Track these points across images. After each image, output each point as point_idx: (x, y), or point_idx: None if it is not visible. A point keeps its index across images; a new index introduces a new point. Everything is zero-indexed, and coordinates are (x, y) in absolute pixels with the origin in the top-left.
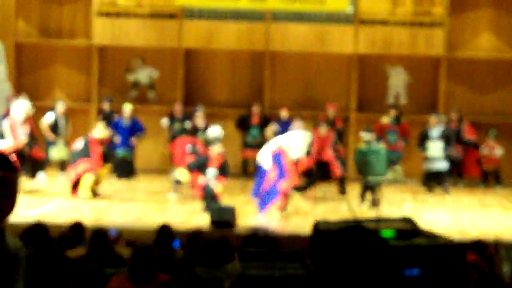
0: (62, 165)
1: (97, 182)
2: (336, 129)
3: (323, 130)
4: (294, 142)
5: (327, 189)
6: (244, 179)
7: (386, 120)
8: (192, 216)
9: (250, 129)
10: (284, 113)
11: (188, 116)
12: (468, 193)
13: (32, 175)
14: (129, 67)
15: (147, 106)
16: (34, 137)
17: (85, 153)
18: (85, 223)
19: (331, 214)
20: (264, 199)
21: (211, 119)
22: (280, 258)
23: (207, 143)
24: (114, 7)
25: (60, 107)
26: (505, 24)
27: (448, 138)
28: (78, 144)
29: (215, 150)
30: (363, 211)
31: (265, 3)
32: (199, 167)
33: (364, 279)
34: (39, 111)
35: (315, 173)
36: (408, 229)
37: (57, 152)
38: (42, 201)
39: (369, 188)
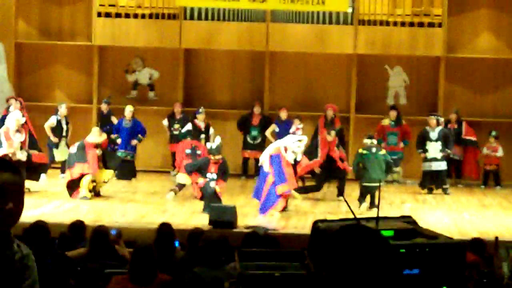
0: (63, 166)
1: (96, 185)
2: (335, 129)
3: (330, 138)
4: (291, 144)
5: (327, 189)
6: (244, 179)
7: (386, 121)
8: (192, 216)
9: (250, 129)
10: (283, 114)
11: (187, 117)
12: (468, 194)
13: (36, 179)
14: (129, 67)
15: (147, 106)
16: (34, 142)
17: (80, 157)
18: (86, 223)
19: (330, 213)
20: (264, 204)
21: (210, 120)
22: (280, 257)
23: (210, 152)
24: (114, 7)
25: (63, 109)
26: (505, 24)
27: (447, 138)
28: (74, 148)
29: (216, 157)
30: (362, 211)
31: (265, 3)
32: (199, 169)
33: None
34: (40, 112)
35: (321, 175)
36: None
37: (59, 154)
38: (43, 201)
39: (367, 192)
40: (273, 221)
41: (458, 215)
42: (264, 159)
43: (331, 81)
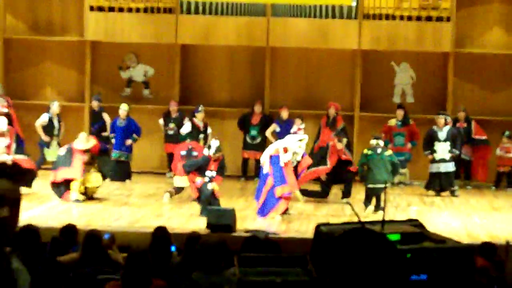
0: None
1: (88, 189)
2: (337, 129)
3: (341, 146)
4: (292, 145)
5: (331, 191)
6: (243, 180)
7: (393, 122)
8: (189, 220)
9: (249, 129)
10: (284, 113)
11: (183, 116)
12: (478, 195)
13: (28, 186)
14: (123, 64)
15: (141, 105)
16: (21, 146)
17: (66, 161)
18: (78, 227)
19: (334, 217)
20: (263, 206)
21: (209, 119)
22: (281, 263)
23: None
24: (107, 1)
25: (55, 107)
26: None
27: (456, 138)
28: (63, 150)
29: (216, 155)
30: (368, 214)
31: None
32: (198, 168)
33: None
34: (29, 111)
35: (328, 181)
36: (414, 233)
37: (51, 154)
38: (33, 204)
39: (372, 194)
40: (274, 224)
41: (468, 218)
42: (264, 159)
43: (334, 78)
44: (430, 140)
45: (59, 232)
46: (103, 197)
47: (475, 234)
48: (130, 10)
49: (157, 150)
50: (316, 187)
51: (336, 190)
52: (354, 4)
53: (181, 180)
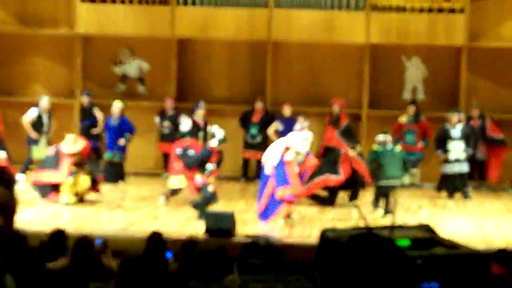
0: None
1: (78, 192)
2: (341, 127)
3: (353, 153)
4: (296, 144)
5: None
6: (244, 182)
7: (404, 118)
8: (186, 224)
9: (249, 127)
10: (287, 110)
11: (179, 113)
12: (493, 198)
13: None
14: (116, 59)
15: (136, 102)
16: (1, 147)
17: (53, 163)
18: (68, 231)
19: (340, 221)
20: (265, 209)
21: (207, 116)
22: (283, 270)
23: (217, 143)
24: None
25: (44, 103)
26: None
27: (469, 137)
28: (52, 150)
29: (218, 147)
30: (376, 218)
31: None
32: (201, 163)
33: None
34: (15, 109)
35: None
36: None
37: (38, 152)
38: (19, 207)
39: (382, 193)
40: (276, 229)
41: (482, 222)
42: (266, 160)
43: (340, 74)
44: (443, 139)
45: (47, 237)
46: (95, 199)
47: (490, 239)
48: (123, 1)
49: (152, 150)
50: (323, 192)
51: (342, 193)
52: None
53: (177, 180)
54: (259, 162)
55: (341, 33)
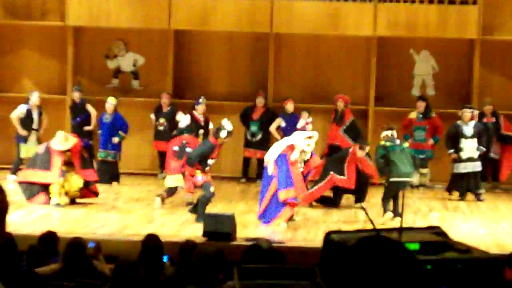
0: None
1: (69, 192)
2: (345, 124)
3: (362, 153)
4: (300, 143)
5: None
6: (244, 182)
7: (414, 114)
8: (183, 226)
9: (249, 124)
10: (290, 106)
11: (175, 110)
12: (508, 200)
13: None
14: (109, 52)
15: (130, 97)
16: None
17: (44, 163)
18: (59, 234)
19: (346, 223)
20: (266, 211)
21: (206, 113)
22: (286, 275)
23: (227, 135)
24: None
25: (35, 98)
26: None
27: (482, 134)
28: (42, 148)
29: (222, 141)
30: (385, 221)
31: None
32: (204, 159)
33: None
34: (3, 105)
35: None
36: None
37: (27, 150)
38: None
39: (393, 190)
40: (278, 232)
41: (496, 225)
42: (269, 159)
43: (346, 68)
44: (455, 137)
45: (37, 240)
46: (87, 201)
47: (504, 243)
48: None
49: (148, 149)
50: (327, 192)
51: (348, 194)
52: None
53: (173, 180)
54: (260, 161)
55: (346, 25)
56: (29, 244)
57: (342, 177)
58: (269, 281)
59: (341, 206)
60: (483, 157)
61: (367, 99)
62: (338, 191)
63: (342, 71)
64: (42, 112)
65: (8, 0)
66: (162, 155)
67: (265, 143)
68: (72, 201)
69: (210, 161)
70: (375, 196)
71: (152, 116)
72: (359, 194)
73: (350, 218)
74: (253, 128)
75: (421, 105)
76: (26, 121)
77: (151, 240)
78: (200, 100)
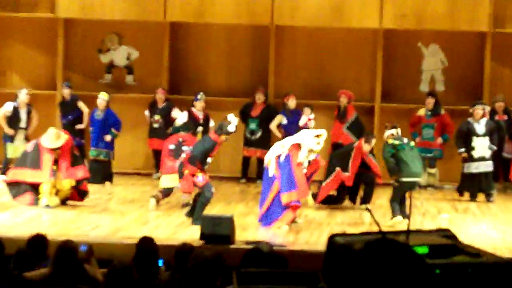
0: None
1: (58, 192)
2: (348, 121)
3: (368, 147)
4: (309, 142)
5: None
6: (244, 182)
7: (422, 111)
8: (179, 229)
9: (248, 121)
10: (292, 103)
11: (171, 106)
12: None
13: None
14: (102, 46)
15: (124, 93)
16: None
17: (34, 161)
18: (48, 237)
19: (350, 226)
20: (267, 214)
21: (205, 110)
22: (288, 280)
23: (229, 132)
24: None
25: (23, 96)
26: None
27: (493, 132)
28: (30, 146)
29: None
30: (393, 223)
31: None
32: (205, 157)
33: None
34: None
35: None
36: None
37: (14, 149)
38: None
39: (404, 191)
40: (279, 235)
41: (508, 228)
42: (269, 160)
43: (351, 63)
44: (467, 135)
45: (26, 243)
46: (79, 202)
47: None
48: None
49: (142, 147)
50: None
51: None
52: None
53: (169, 179)
54: (260, 161)
55: (351, 17)
56: (18, 247)
57: (346, 173)
58: (270, 286)
59: (345, 208)
60: (495, 157)
61: (372, 95)
62: (343, 188)
63: (346, 66)
64: (31, 110)
65: None
66: (157, 154)
67: (266, 141)
68: (63, 202)
69: (209, 159)
70: (380, 197)
71: (147, 113)
72: (365, 194)
73: (355, 220)
74: (252, 125)
75: (430, 101)
76: (13, 119)
77: (146, 243)
78: (199, 96)
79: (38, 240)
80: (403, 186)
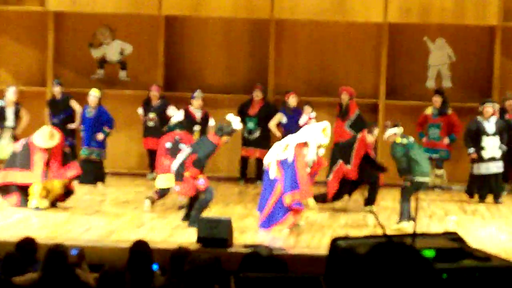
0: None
1: (49, 194)
2: (350, 118)
3: (371, 138)
4: (315, 137)
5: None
6: (242, 184)
7: (430, 110)
8: (175, 232)
9: (246, 120)
10: (292, 100)
11: (166, 104)
12: None
13: None
14: (94, 40)
15: (117, 90)
16: None
17: (24, 161)
18: (38, 241)
19: (353, 228)
20: (268, 217)
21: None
22: (288, 285)
23: (231, 132)
24: None
25: (10, 94)
26: None
27: (503, 131)
28: (19, 145)
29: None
30: (400, 227)
31: None
32: (207, 159)
33: None
34: None
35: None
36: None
37: (1, 150)
38: None
39: (412, 193)
40: (279, 238)
41: None
42: (270, 160)
43: (354, 58)
44: (476, 134)
45: (15, 246)
46: (69, 204)
47: None
48: None
49: (136, 146)
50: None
51: (356, 196)
52: None
53: (165, 180)
54: (259, 161)
55: (354, 11)
56: (6, 251)
57: (349, 166)
58: None
59: (348, 209)
60: (505, 157)
61: (377, 92)
62: (344, 184)
63: (349, 61)
64: (20, 109)
65: None
66: (151, 154)
67: (265, 141)
68: (53, 204)
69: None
70: (385, 199)
71: (140, 111)
72: (369, 195)
73: (358, 223)
74: (250, 124)
75: (437, 100)
76: (1, 118)
77: (140, 246)
78: (196, 94)
79: (27, 244)
80: (416, 186)
